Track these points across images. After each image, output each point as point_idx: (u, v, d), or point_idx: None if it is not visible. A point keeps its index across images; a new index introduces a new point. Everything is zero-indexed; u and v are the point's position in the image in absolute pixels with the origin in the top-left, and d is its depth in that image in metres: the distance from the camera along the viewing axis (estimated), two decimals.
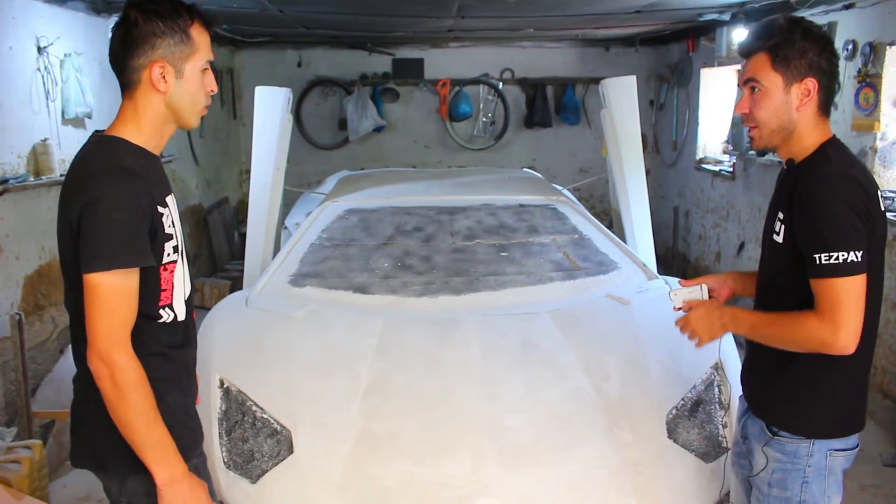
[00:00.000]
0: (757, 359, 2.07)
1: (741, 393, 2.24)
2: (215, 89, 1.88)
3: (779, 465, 1.98)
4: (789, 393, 1.97)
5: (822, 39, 1.90)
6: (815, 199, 1.81)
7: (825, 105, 1.93)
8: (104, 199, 1.66)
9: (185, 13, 1.77)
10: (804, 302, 1.87)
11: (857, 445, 2.01)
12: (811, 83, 1.88)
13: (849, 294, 1.78)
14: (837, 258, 1.77)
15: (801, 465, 1.96)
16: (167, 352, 1.87)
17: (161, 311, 1.82)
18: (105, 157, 1.73)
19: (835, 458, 1.96)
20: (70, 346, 4.38)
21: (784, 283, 1.95)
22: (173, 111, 1.81)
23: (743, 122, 2.02)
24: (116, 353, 1.68)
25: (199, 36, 1.79)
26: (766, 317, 1.92)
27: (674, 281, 3.57)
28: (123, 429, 1.72)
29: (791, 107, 1.90)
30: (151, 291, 1.79)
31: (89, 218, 1.66)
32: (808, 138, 1.92)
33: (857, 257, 1.77)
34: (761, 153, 6.35)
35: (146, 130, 1.80)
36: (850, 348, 1.81)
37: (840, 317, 1.78)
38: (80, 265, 1.68)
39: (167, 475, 1.74)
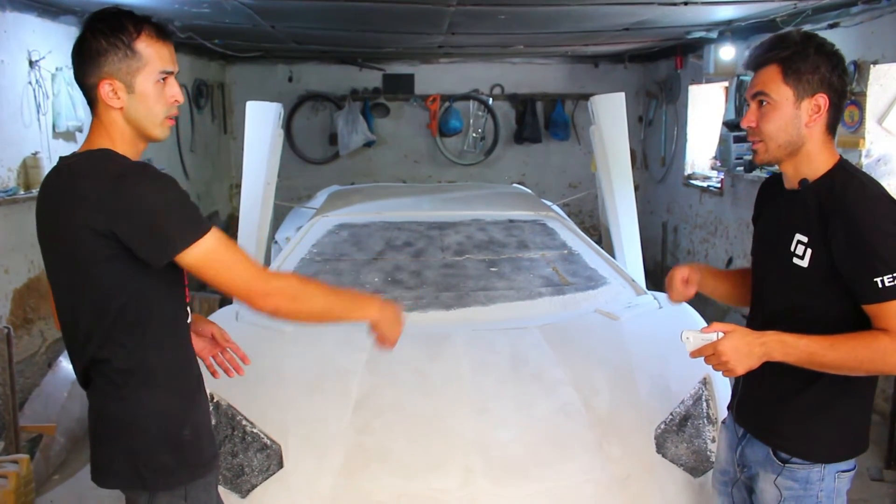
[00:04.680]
0: (763, 385, 1.98)
1: (723, 417, 2.19)
2: (180, 99, 1.83)
3: (790, 493, 1.93)
4: (804, 419, 1.93)
5: (835, 56, 1.84)
6: (862, 222, 1.75)
7: (833, 124, 1.88)
8: (150, 188, 1.68)
9: (129, 27, 1.73)
10: (833, 324, 1.82)
11: (856, 466, 1.98)
12: (822, 99, 1.83)
13: None
14: None
15: (814, 491, 1.91)
16: (194, 355, 1.96)
17: (188, 309, 1.89)
18: (114, 163, 1.71)
19: (841, 479, 1.93)
20: (59, 361, 4.36)
21: (813, 308, 1.88)
22: (133, 125, 1.78)
23: (748, 136, 1.95)
24: (273, 283, 1.78)
25: (149, 48, 1.74)
26: (823, 342, 1.78)
27: (662, 297, 3.59)
28: (326, 316, 1.92)
29: (800, 122, 1.84)
30: (179, 286, 1.85)
31: (146, 212, 1.66)
32: (818, 157, 1.87)
33: None
34: (751, 169, 6.34)
35: (119, 145, 1.77)
36: None
37: None
38: (135, 270, 1.69)
39: (375, 313, 1.91)
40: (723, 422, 2.22)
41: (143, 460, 1.79)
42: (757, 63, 1.88)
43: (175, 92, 1.81)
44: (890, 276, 1.72)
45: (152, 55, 1.75)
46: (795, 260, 1.88)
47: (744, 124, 1.93)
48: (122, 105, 1.75)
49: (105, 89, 1.73)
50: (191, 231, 1.68)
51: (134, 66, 1.73)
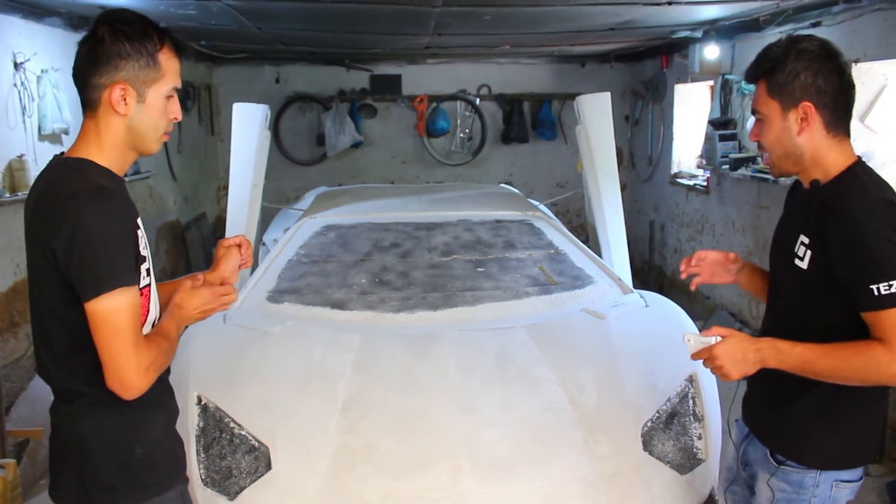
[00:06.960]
0: (766, 385, 1.97)
1: (737, 417, 2.18)
2: (179, 117, 1.82)
3: (783, 494, 1.93)
4: (801, 422, 1.91)
5: (818, 59, 1.80)
6: (859, 226, 1.71)
7: (835, 124, 1.83)
8: (92, 220, 1.60)
9: (155, 37, 1.71)
10: (833, 329, 1.80)
11: (863, 477, 1.95)
12: (807, 107, 1.80)
13: None
14: None
15: (807, 496, 1.90)
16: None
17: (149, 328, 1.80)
18: (80, 179, 1.66)
19: (840, 489, 1.90)
20: None
21: (813, 311, 1.86)
22: (133, 135, 1.74)
23: (759, 150, 1.98)
24: (143, 381, 1.66)
25: (168, 62, 1.73)
26: (817, 350, 1.75)
27: (649, 295, 3.62)
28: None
29: (792, 133, 1.83)
30: None
31: (81, 242, 1.60)
32: (826, 160, 1.83)
33: None
34: (736, 167, 6.37)
35: (108, 152, 1.73)
36: None
37: None
38: (75, 294, 1.63)
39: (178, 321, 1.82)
40: (735, 420, 2.21)
41: (90, 479, 1.75)
42: (749, 80, 1.91)
43: (177, 110, 1.80)
44: (886, 283, 1.67)
45: (170, 69, 1.75)
46: (797, 261, 1.86)
47: (750, 139, 1.96)
48: (128, 113, 1.71)
49: (116, 94, 1.68)
50: (106, 280, 1.60)
51: (151, 77, 1.71)
